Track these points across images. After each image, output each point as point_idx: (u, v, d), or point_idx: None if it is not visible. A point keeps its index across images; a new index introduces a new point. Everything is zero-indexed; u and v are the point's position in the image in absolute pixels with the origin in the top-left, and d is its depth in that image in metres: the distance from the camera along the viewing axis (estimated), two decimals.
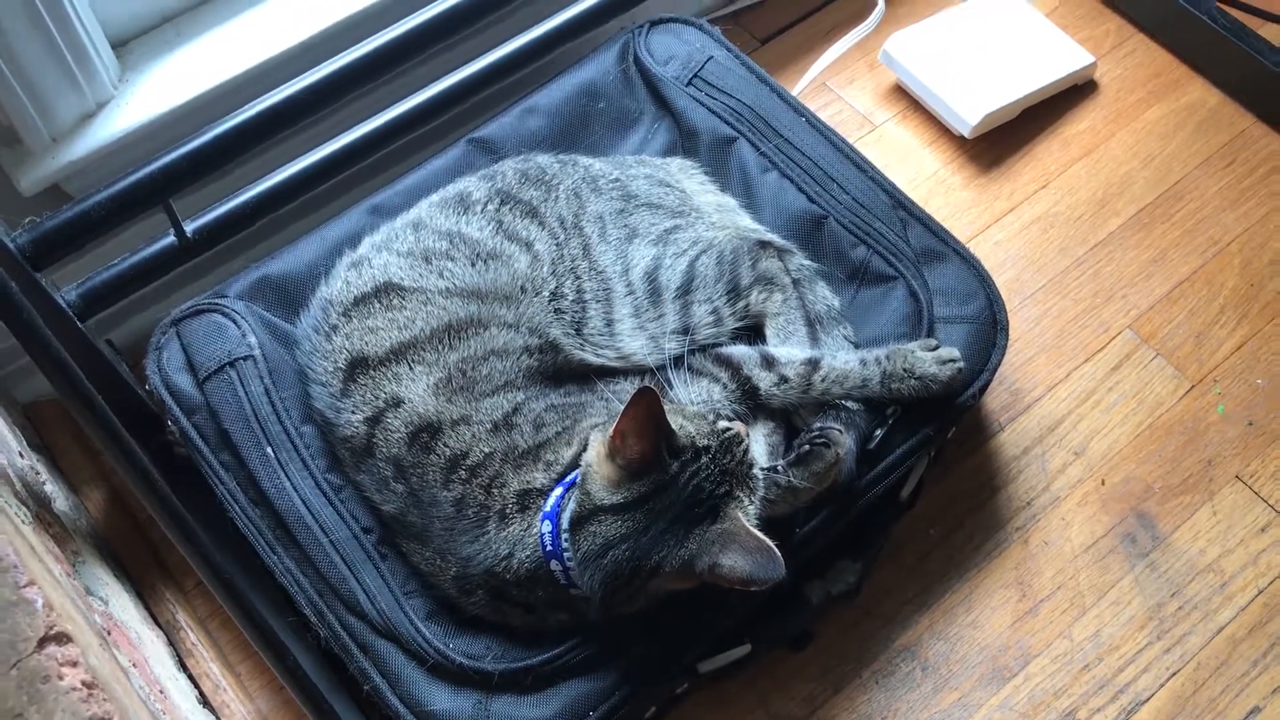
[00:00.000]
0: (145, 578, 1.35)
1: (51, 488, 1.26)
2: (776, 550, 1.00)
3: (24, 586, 0.77)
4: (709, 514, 1.04)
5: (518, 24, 1.38)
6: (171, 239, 1.10)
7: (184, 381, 1.23)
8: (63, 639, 0.78)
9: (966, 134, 1.67)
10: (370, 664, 1.13)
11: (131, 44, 1.34)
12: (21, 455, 1.23)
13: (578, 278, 1.26)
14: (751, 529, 1.03)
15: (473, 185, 1.32)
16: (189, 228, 1.09)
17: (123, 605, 1.21)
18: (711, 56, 1.50)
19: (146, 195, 1.05)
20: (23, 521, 0.99)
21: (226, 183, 1.17)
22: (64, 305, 1.04)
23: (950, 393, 1.26)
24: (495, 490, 1.10)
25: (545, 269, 1.25)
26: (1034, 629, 1.35)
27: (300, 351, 1.24)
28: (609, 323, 1.25)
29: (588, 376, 1.23)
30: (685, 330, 1.26)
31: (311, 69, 1.18)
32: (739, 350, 1.26)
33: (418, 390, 1.15)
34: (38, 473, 1.24)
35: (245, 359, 1.22)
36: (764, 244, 1.34)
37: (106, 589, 1.19)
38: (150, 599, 1.33)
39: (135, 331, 1.45)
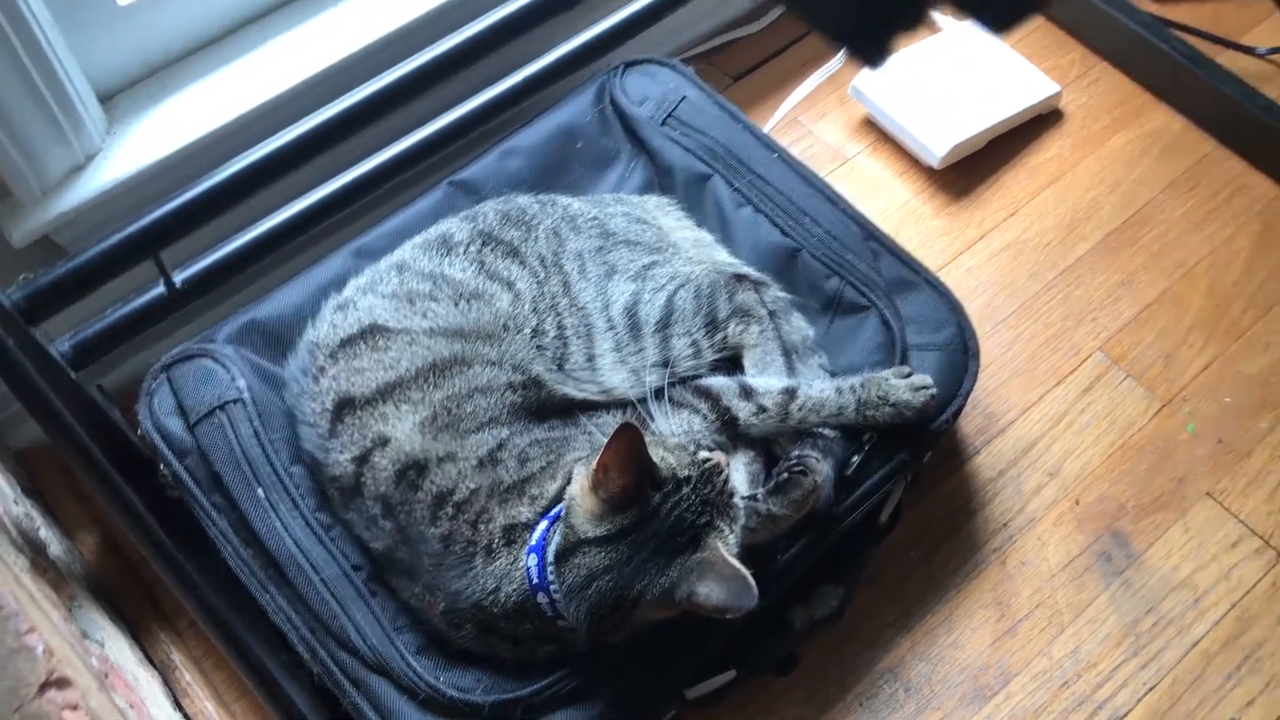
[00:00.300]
0: (140, 619, 1.37)
1: (46, 533, 1.28)
2: (751, 579, 1.03)
3: (25, 633, 0.79)
4: (690, 543, 1.07)
5: (500, 68, 1.42)
6: (161, 289, 1.13)
7: (175, 425, 1.26)
8: (63, 683, 0.81)
9: (935, 165, 1.72)
10: (363, 699, 1.15)
11: (117, 97, 1.37)
12: (16, 502, 1.26)
13: (559, 314, 1.29)
14: (729, 558, 1.06)
15: (454, 227, 1.35)
16: (178, 278, 1.12)
17: (118, 648, 1.23)
18: (685, 96, 1.54)
19: (137, 249, 1.08)
20: (21, 569, 1.02)
21: (213, 228, 1.20)
22: (58, 358, 1.07)
23: (924, 418, 1.29)
24: (482, 525, 1.13)
25: (527, 307, 1.28)
26: (1013, 648, 1.38)
27: (288, 393, 1.27)
28: (590, 357, 1.28)
29: (571, 411, 1.26)
30: (665, 363, 1.29)
31: (295, 121, 1.21)
32: (718, 381, 1.29)
33: (404, 429, 1.18)
34: (32, 519, 1.27)
35: (235, 402, 1.25)
36: (740, 277, 1.37)
37: (102, 632, 1.21)
38: (145, 640, 1.35)
39: (126, 376, 1.47)
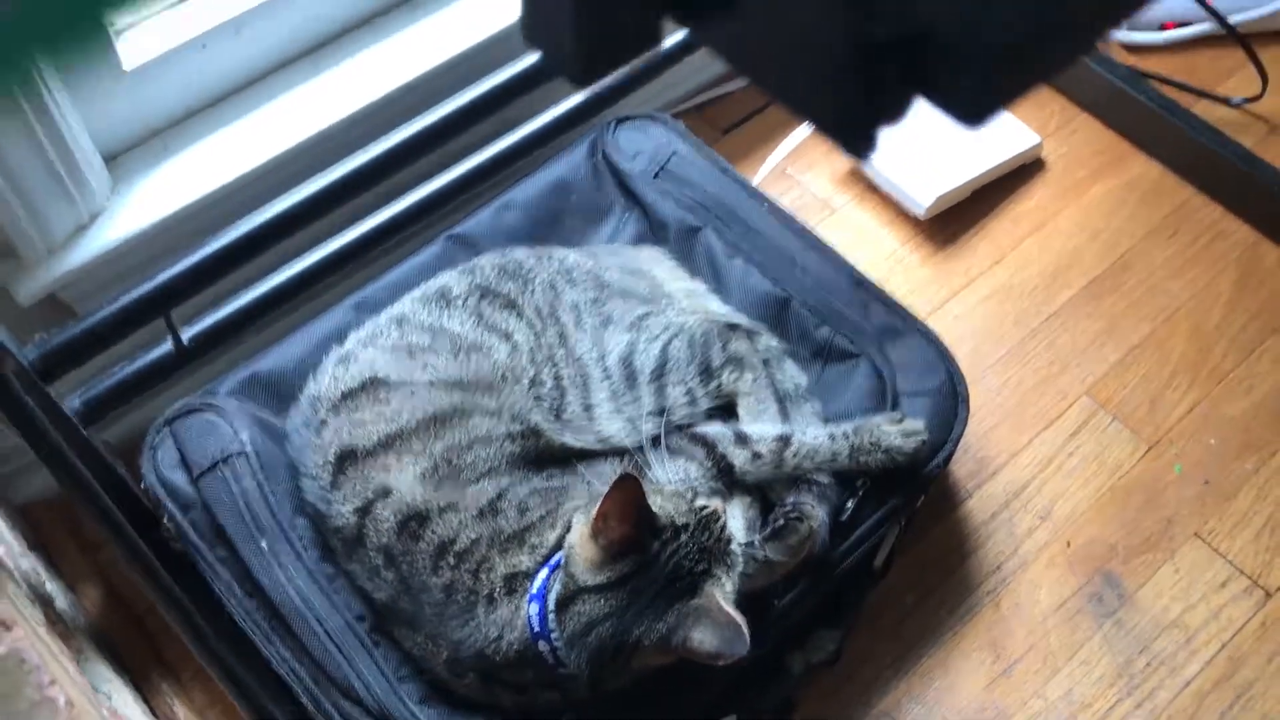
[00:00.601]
0: (142, 670, 1.37)
1: (51, 587, 1.30)
2: (744, 627, 1.05)
3: (48, 686, 0.81)
4: (688, 590, 1.09)
5: (497, 127, 1.45)
6: (169, 347, 1.15)
7: (178, 479, 1.27)
8: None
9: (921, 214, 1.75)
10: None
11: (121, 157, 1.40)
12: (23, 556, 1.27)
13: (555, 365, 1.31)
14: (724, 605, 1.08)
15: (453, 280, 1.38)
16: (186, 335, 1.15)
17: (124, 700, 1.24)
18: (675, 150, 1.58)
19: (148, 309, 1.11)
20: (37, 623, 1.03)
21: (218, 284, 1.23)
22: (70, 415, 1.09)
23: (916, 463, 1.32)
24: (483, 574, 1.14)
25: (524, 358, 1.30)
26: (1008, 690, 1.39)
27: (291, 446, 1.29)
28: (587, 407, 1.30)
29: (568, 460, 1.28)
30: (661, 411, 1.31)
31: (294, 180, 1.24)
32: (713, 429, 1.31)
33: (405, 480, 1.19)
34: (39, 573, 1.28)
35: (238, 455, 1.27)
36: (733, 326, 1.40)
37: (109, 685, 1.22)
38: (148, 692, 1.36)
39: (129, 429, 1.49)
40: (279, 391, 1.36)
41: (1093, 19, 0.38)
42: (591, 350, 1.33)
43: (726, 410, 1.37)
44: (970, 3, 0.33)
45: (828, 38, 0.36)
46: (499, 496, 1.20)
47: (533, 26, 0.43)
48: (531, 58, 1.29)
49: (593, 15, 0.38)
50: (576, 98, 1.48)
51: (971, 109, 0.38)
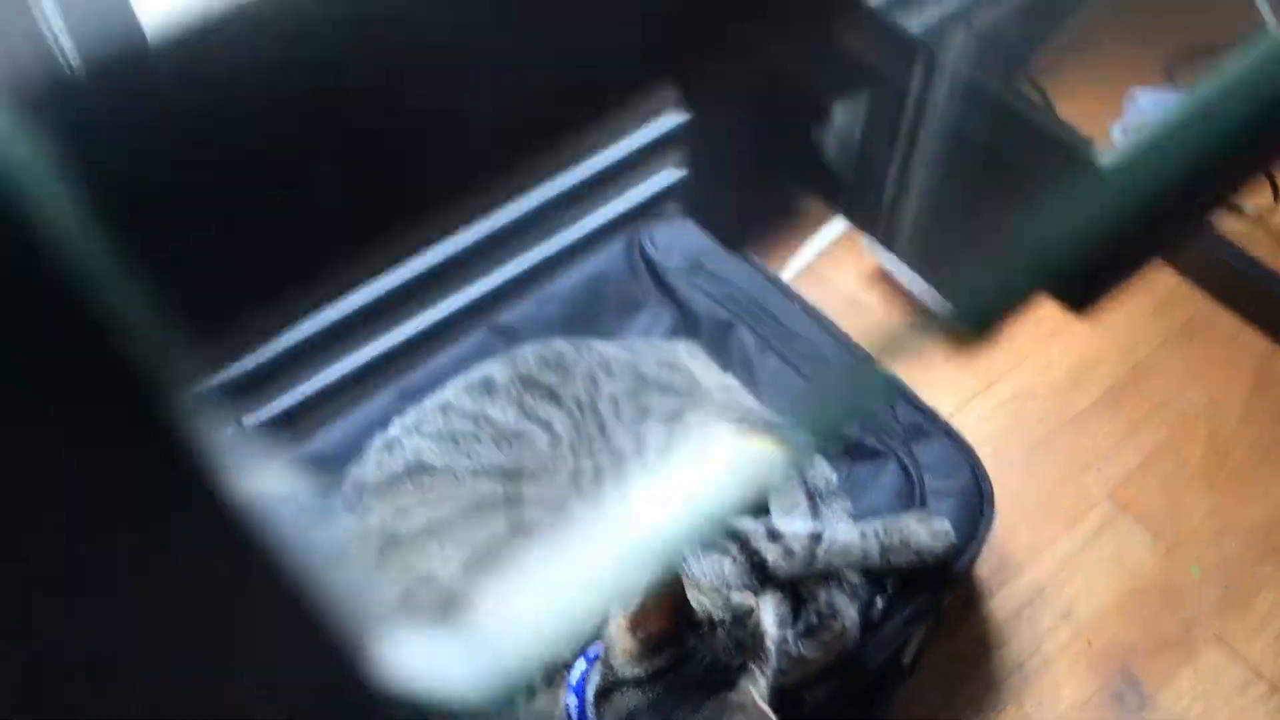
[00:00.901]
0: None
1: None
2: None
3: None
4: (723, 685, 1.11)
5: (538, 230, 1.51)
6: (229, 432, 1.19)
7: None
8: None
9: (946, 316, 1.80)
10: None
11: None
12: None
13: (594, 456, 1.34)
14: (759, 701, 1.09)
15: (495, 370, 1.41)
16: (246, 423, 1.19)
17: None
18: (709, 247, 1.63)
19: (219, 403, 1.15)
20: None
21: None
22: None
23: (944, 562, 1.35)
24: None
25: (565, 448, 1.33)
26: None
27: (334, 530, 1.32)
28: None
29: None
30: None
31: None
32: (746, 524, 1.34)
33: (449, 568, 1.22)
34: None
35: None
36: (765, 422, 1.43)
37: None
38: None
39: None
40: (323, 475, 1.39)
41: (1196, 217, 0.43)
42: (629, 442, 1.36)
43: (757, 505, 1.39)
44: (1080, 221, 0.38)
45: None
46: None
47: None
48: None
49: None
50: (619, 203, 1.53)
51: (1085, 304, 0.42)
